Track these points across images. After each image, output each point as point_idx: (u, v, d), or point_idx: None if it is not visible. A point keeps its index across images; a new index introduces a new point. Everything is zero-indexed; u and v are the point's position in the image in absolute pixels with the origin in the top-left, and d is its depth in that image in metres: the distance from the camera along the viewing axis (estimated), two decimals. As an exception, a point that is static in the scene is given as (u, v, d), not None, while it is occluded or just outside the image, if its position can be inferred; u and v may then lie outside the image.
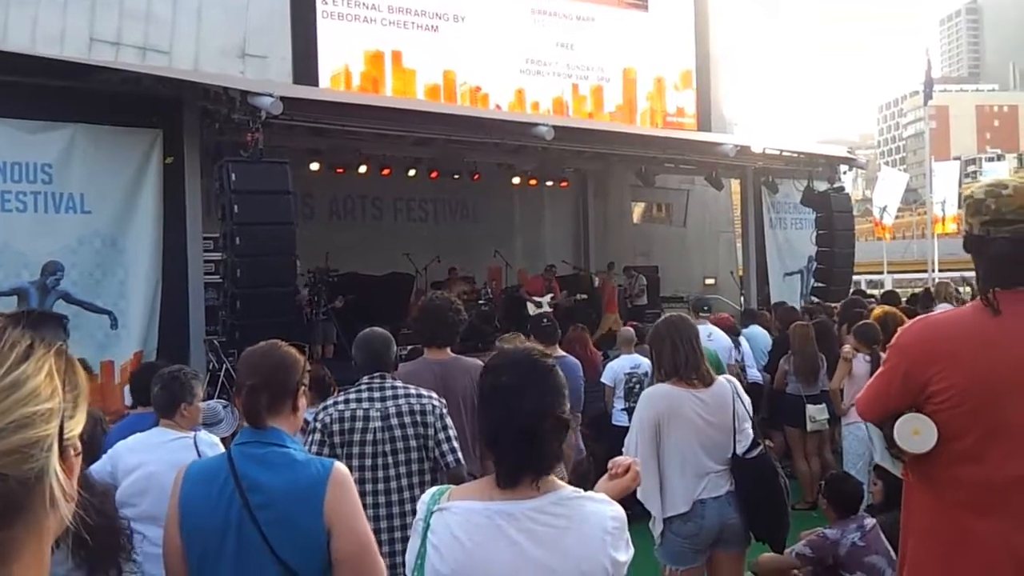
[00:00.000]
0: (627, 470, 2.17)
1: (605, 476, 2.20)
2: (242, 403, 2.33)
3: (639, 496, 3.74)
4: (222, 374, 9.59)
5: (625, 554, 1.88)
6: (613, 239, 17.30)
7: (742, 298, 15.46)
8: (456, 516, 1.83)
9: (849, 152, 16.17)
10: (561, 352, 5.76)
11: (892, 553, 4.50)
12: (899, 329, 2.52)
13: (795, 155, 14.96)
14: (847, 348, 6.93)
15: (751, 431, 3.83)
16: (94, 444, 4.21)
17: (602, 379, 7.41)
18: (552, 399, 1.87)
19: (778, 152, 14.77)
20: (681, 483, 3.67)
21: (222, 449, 3.74)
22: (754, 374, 8.32)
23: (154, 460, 3.54)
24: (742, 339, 8.56)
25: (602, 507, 1.90)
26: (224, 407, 6.33)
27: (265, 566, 2.15)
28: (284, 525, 2.16)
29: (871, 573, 4.44)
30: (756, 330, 9.18)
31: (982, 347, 2.25)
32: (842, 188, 14.91)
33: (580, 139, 12.64)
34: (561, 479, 1.97)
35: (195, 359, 9.37)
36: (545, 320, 5.80)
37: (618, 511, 1.92)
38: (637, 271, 15.41)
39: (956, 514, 2.27)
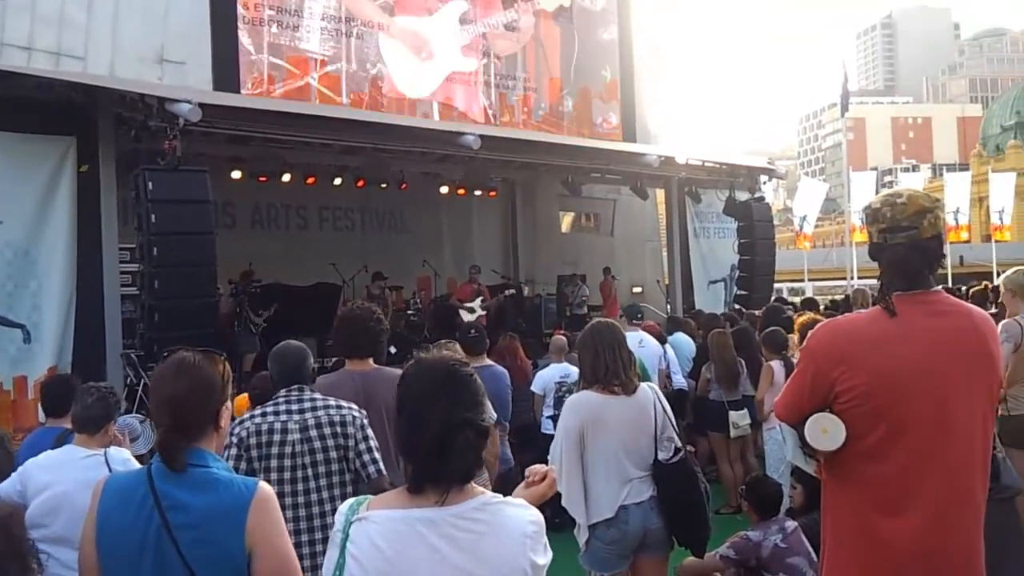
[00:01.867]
0: (543, 477, 2.16)
1: (522, 484, 2.19)
2: (157, 444, 2.21)
3: (563, 503, 3.75)
4: (140, 388, 9.31)
5: (544, 557, 1.88)
6: (542, 248, 17.38)
7: (668, 306, 15.67)
8: (376, 525, 1.81)
9: (769, 163, 16.56)
10: (488, 361, 5.74)
11: (813, 554, 4.59)
12: (808, 333, 2.60)
13: (717, 166, 15.26)
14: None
15: (675, 437, 3.87)
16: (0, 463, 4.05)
17: (531, 388, 7.42)
18: (467, 409, 1.85)
19: (701, 163, 15.05)
20: (605, 489, 3.69)
21: (135, 465, 3.62)
22: (679, 380, 8.44)
23: (66, 479, 3.41)
24: (667, 346, 8.66)
25: (521, 512, 1.90)
26: (141, 422, 6.16)
27: None
28: (204, 546, 2.10)
29: (792, 574, 4.52)
30: (681, 337, 9.31)
31: (881, 348, 2.34)
32: (763, 198, 15.26)
33: (507, 149, 12.66)
34: (484, 487, 1.95)
35: (112, 373, 9.09)
36: (472, 331, 5.78)
37: (536, 515, 1.92)
38: (579, 280, 15.52)
39: (866, 513, 2.34)
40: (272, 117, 10.38)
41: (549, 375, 7.31)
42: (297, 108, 11.24)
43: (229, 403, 2.28)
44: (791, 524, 4.69)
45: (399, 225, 16.09)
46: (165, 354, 2.27)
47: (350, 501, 1.91)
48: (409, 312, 13.88)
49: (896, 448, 2.30)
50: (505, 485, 5.60)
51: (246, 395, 5.69)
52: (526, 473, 2.21)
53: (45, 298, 8.89)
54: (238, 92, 12.17)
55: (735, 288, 15.20)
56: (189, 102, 8.63)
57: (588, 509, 3.68)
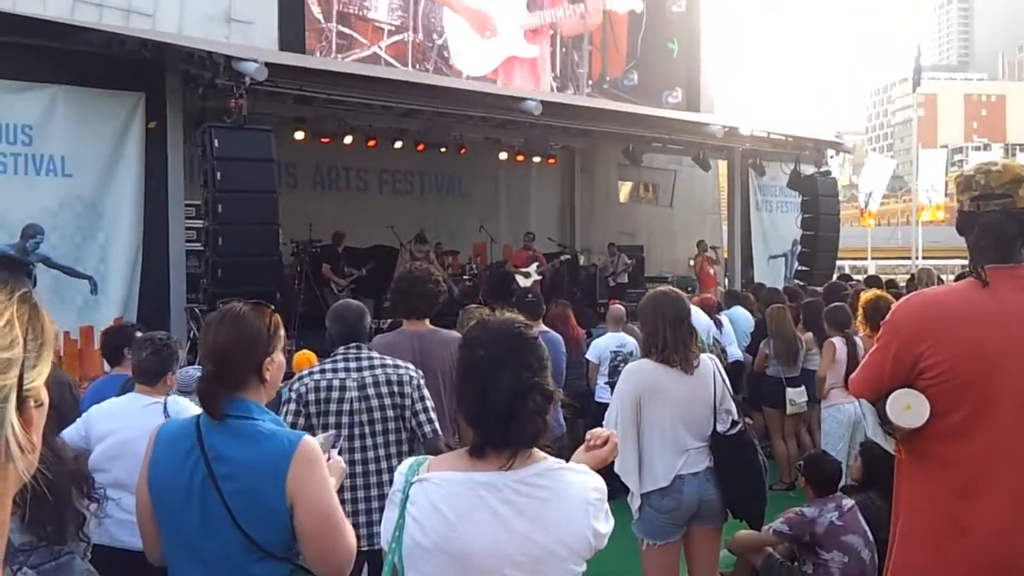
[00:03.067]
0: (605, 441, 2.14)
1: (582, 447, 2.17)
2: (198, 392, 2.25)
3: (617, 470, 3.73)
4: (203, 342, 9.51)
5: (606, 525, 1.86)
6: (599, 217, 17.26)
7: (726, 280, 15.47)
8: (437, 487, 1.79)
9: (837, 137, 16.15)
10: (544, 327, 5.72)
11: (869, 534, 4.52)
12: (892, 307, 2.52)
13: (783, 138, 14.94)
14: (809, 336, 7.06)
15: (734, 409, 3.83)
16: (64, 409, 4.16)
17: (587, 356, 7.40)
18: (535, 373, 1.81)
19: (765, 134, 14.74)
20: (661, 458, 3.66)
21: (194, 411, 3.70)
22: (735, 353, 8.34)
23: (127, 426, 3.49)
24: (724, 319, 8.56)
25: (583, 478, 1.87)
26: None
27: (228, 535, 2.11)
28: (247, 497, 2.11)
29: (848, 552, 4.45)
30: (739, 311, 9.19)
31: (972, 322, 2.25)
32: (828, 172, 14.92)
33: (567, 115, 12.54)
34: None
35: (175, 326, 9.29)
36: (530, 295, 5.77)
37: (599, 482, 1.90)
38: (620, 250, 15.37)
39: (945, 493, 2.27)
40: (336, 78, 10.43)
41: (605, 344, 7.28)
42: (360, 70, 11.27)
43: (278, 355, 2.24)
44: (848, 502, 4.62)
45: (457, 190, 16.11)
46: (219, 304, 2.28)
47: (409, 461, 1.89)
48: (465, 277, 13.93)
49: (980, 427, 2.22)
50: (557, 451, 5.61)
51: (309, 352, 5.76)
52: (587, 436, 2.19)
53: (112, 251, 9.11)
54: (303, 52, 12.26)
55: (796, 263, 14.93)
56: (256, 61, 8.70)
57: (642, 477, 3.66)
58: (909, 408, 2.25)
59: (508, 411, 1.77)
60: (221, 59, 8.82)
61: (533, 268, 12.75)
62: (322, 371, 3.46)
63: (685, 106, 16.95)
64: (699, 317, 7.87)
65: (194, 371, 6.18)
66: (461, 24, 14.13)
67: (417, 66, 13.48)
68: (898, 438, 2.35)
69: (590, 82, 15.81)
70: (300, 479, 2.10)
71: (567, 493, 1.81)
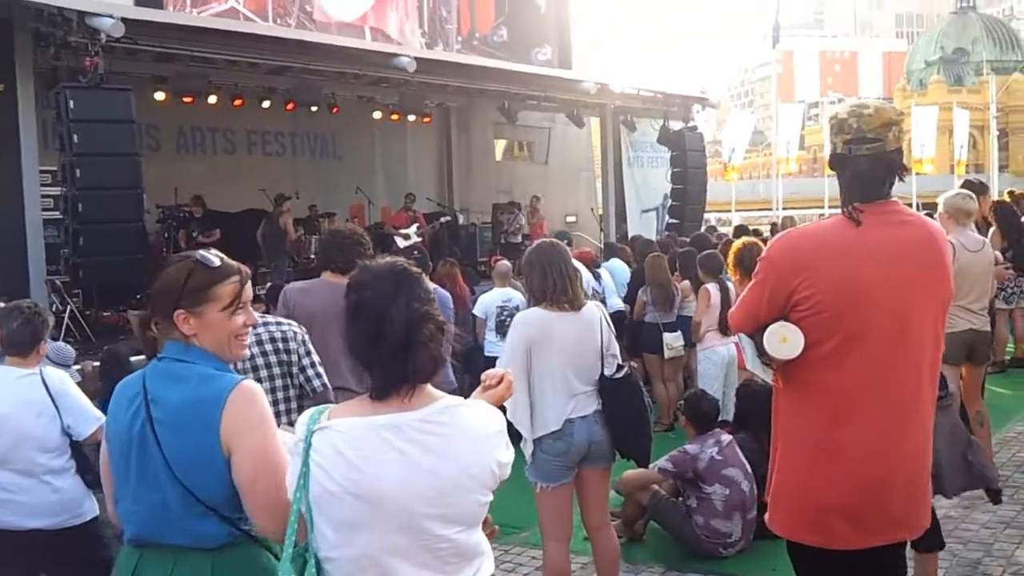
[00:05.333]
0: (500, 380, 2.20)
1: (478, 389, 2.22)
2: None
3: (508, 416, 3.79)
4: (66, 316, 9.07)
5: (507, 454, 1.91)
6: (477, 176, 17.26)
7: (602, 234, 15.79)
8: (339, 433, 1.79)
9: (702, 93, 16.62)
10: (432, 284, 5.70)
11: (747, 466, 4.76)
12: (768, 243, 2.63)
13: (652, 94, 15.30)
14: (685, 284, 7.34)
15: (618, 354, 3.94)
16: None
17: (473, 311, 7.46)
18: (423, 303, 1.85)
19: (636, 91, 15.05)
20: (552, 403, 3.74)
21: (72, 384, 3.54)
22: (615, 304, 8.56)
23: (2, 400, 3.32)
24: (603, 271, 8.76)
25: (483, 412, 1.92)
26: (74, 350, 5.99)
27: (166, 485, 2.02)
28: (180, 440, 2.02)
29: (728, 484, 4.68)
30: (616, 263, 9.43)
31: (842, 256, 2.36)
32: (695, 127, 15.38)
33: (443, 72, 12.47)
34: None
35: (36, 298, 8.78)
36: (416, 252, 5.75)
37: (498, 414, 1.95)
38: (516, 208, 15.42)
39: (821, 420, 2.39)
40: (196, 34, 10.02)
41: (491, 299, 7.35)
42: (220, 24, 10.81)
43: (204, 313, 2.10)
44: (726, 438, 4.85)
45: (331, 151, 15.76)
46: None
47: (311, 411, 1.87)
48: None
49: (852, 356, 2.34)
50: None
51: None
52: (482, 378, 2.23)
53: (-38, 222, 8.55)
54: (160, 8, 11.68)
55: (667, 217, 15.38)
56: (111, 16, 8.28)
57: (534, 423, 3.73)
58: (785, 340, 2.36)
59: (403, 342, 1.79)
60: (73, 15, 8.35)
61: (413, 229, 12.69)
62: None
63: (556, 63, 17.07)
64: (580, 271, 8.06)
65: (65, 346, 5.91)
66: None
67: (278, 21, 13.04)
68: (775, 369, 2.48)
69: (459, 38, 15.70)
70: (235, 423, 2.01)
71: (468, 427, 1.85)
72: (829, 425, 2.37)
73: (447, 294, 5.87)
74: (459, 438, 1.83)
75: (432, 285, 5.53)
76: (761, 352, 2.44)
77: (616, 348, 3.90)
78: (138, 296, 9.05)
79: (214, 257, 2.16)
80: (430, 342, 1.83)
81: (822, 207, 28.12)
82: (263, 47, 10.54)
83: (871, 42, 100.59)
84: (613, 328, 3.96)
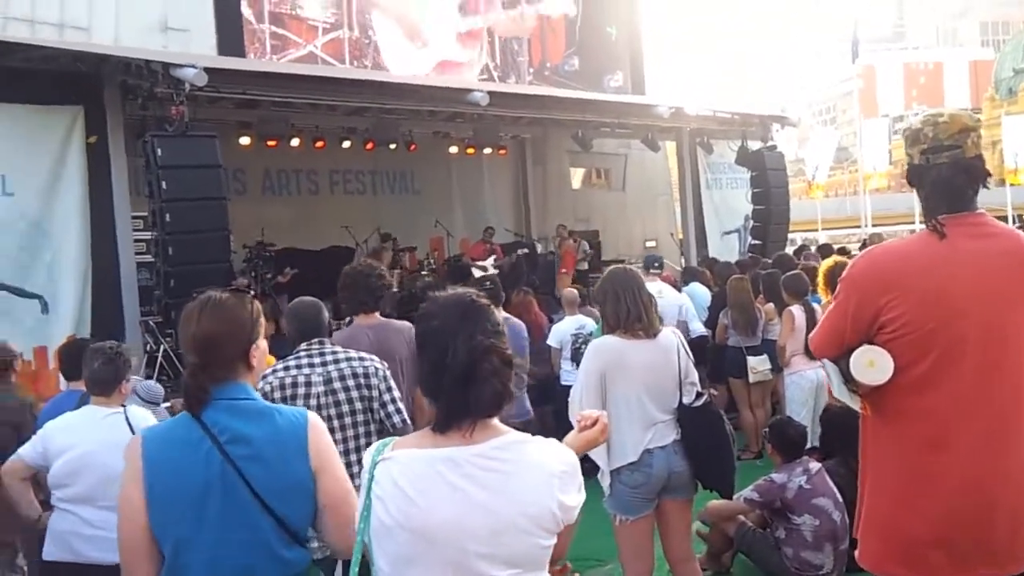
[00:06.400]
0: (595, 422, 2.14)
1: (573, 431, 2.17)
2: (183, 383, 2.12)
3: (586, 448, 3.75)
4: (160, 355, 9.39)
5: (576, 497, 1.84)
6: (553, 205, 17.28)
7: (682, 259, 15.60)
8: (398, 465, 1.79)
9: (781, 111, 16.34)
10: (505, 314, 5.72)
11: (838, 494, 4.59)
12: (849, 263, 2.53)
13: (728, 115, 15.10)
14: (770, 307, 7.13)
15: (698, 382, 3.86)
16: (23, 430, 4.09)
17: (548, 341, 7.42)
18: (489, 336, 1.82)
19: (711, 113, 14.88)
20: (629, 433, 3.68)
21: (154, 421, 3.64)
22: (697, 328, 8.40)
23: (88, 439, 3.43)
24: (683, 296, 8.63)
25: (549, 450, 1.86)
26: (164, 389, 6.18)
27: (256, 522, 2.03)
28: (273, 474, 2.06)
29: (818, 514, 4.52)
30: (696, 287, 9.28)
31: (931, 272, 2.25)
32: (775, 146, 15.09)
33: (515, 104, 12.54)
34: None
35: (131, 340, 9.11)
36: (488, 283, 5.75)
37: (568, 456, 1.89)
38: (572, 234, 15.42)
39: (913, 447, 2.27)
40: (277, 80, 10.32)
41: (565, 328, 7.32)
42: (300, 70, 11.15)
43: (262, 342, 2.19)
44: (815, 465, 4.69)
45: (410, 187, 16.02)
46: (193, 295, 2.21)
47: (377, 443, 1.88)
48: (423, 272, 13.87)
49: (946, 378, 2.22)
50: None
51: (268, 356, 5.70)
52: (577, 417, 2.18)
53: (60, 268, 8.91)
54: (243, 56, 12.10)
55: (749, 238, 15.10)
56: (194, 66, 8.57)
57: (610, 453, 3.67)
58: (872, 364, 2.25)
59: (465, 375, 1.77)
60: (159, 67, 8.68)
61: (490, 261, 12.76)
62: (286, 368, 3.43)
63: (629, 89, 17.03)
64: (670, 294, 7.95)
65: (156, 385, 6.10)
66: (392, 28, 14.04)
67: (355, 63, 13.37)
68: (863, 395, 2.36)
69: (531, 70, 15.82)
70: (320, 450, 2.11)
71: (530, 465, 1.80)
72: (922, 452, 2.25)
73: (520, 324, 5.86)
74: (519, 476, 1.79)
75: (504, 315, 5.59)
76: (847, 378, 2.32)
77: (695, 375, 3.83)
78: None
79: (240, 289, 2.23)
80: (494, 376, 1.80)
81: (913, 223, 27.26)
82: (341, 89, 10.79)
83: (956, 52, 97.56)
84: (691, 355, 3.88)
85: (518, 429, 5.56)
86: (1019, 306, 2.26)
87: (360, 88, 10.96)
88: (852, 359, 2.28)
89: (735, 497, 4.57)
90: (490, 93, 10.93)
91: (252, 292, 8.97)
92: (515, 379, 5.30)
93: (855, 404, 2.41)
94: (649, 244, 17.66)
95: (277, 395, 3.35)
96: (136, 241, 9.63)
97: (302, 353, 3.46)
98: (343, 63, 13.33)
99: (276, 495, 2.05)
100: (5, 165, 8.61)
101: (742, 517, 4.73)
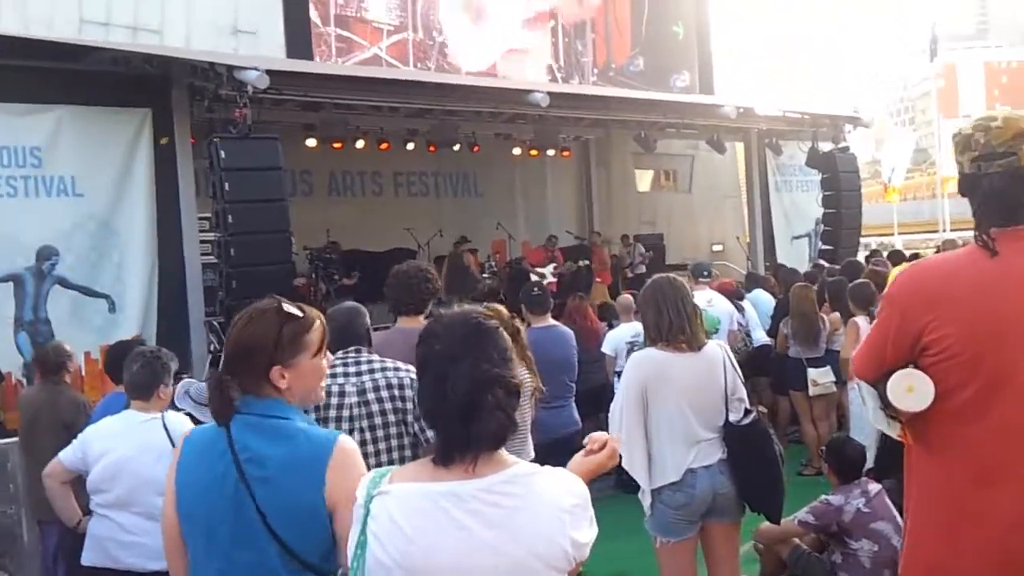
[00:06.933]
0: (603, 446, 2.00)
1: (581, 452, 2.03)
2: (209, 391, 2.09)
3: (624, 466, 3.62)
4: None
5: (588, 533, 1.72)
6: (618, 208, 17.10)
7: (748, 263, 15.27)
8: (396, 500, 1.67)
9: (854, 112, 15.86)
10: (552, 321, 5.62)
11: (899, 519, 4.37)
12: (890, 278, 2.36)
13: (798, 116, 14.72)
14: (835, 316, 6.85)
15: (746, 398, 3.69)
16: (76, 428, 4.13)
17: (603, 348, 7.29)
18: (495, 365, 1.70)
19: (781, 113, 14.52)
20: (671, 451, 3.54)
21: (190, 427, 3.63)
22: (760, 337, 8.20)
23: (124, 444, 3.44)
24: (745, 303, 8.41)
25: (559, 483, 1.74)
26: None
27: (262, 544, 1.98)
28: (282, 499, 1.98)
29: (877, 539, 4.31)
30: (759, 294, 9.04)
31: (979, 290, 2.06)
32: (847, 148, 14.66)
33: (576, 105, 12.42)
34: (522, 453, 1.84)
35: (196, 341, 9.30)
36: (536, 289, 5.66)
37: (578, 487, 1.77)
38: (636, 239, 15.20)
39: (959, 482, 2.08)
40: (339, 82, 10.41)
41: (619, 335, 7.16)
42: (359, 72, 11.21)
43: (299, 364, 2.07)
44: (875, 487, 4.47)
45: (472, 189, 16.03)
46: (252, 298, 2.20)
47: (372, 474, 1.77)
48: (484, 275, 13.84)
49: (995, 406, 2.03)
50: (571, 445, 5.53)
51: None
52: (584, 441, 2.06)
53: (128, 268, 9.12)
54: (311, 59, 12.24)
55: (819, 243, 14.69)
56: (257, 69, 8.67)
57: (652, 472, 3.54)
58: (912, 390, 2.07)
59: (467, 406, 1.65)
60: (223, 69, 8.80)
61: (549, 269, 12.67)
62: (320, 377, 3.37)
63: (696, 89, 16.74)
64: (720, 303, 7.76)
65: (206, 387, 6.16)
66: (458, 17, 14.02)
67: (419, 65, 13.40)
68: (903, 422, 2.19)
69: (595, 70, 15.66)
70: (341, 479, 1.98)
71: (539, 500, 1.68)
72: (969, 487, 2.06)
73: (568, 331, 5.74)
74: (527, 512, 1.66)
75: (551, 322, 5.46)
76: (885, 403, 2.16)
77: (743, 391, 3.66)
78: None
79: (293, 307, 2.12)
80: (497, 409, 1.67)
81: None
82: (400, 91, 10.82)
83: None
84: (738, 368, 3.72)
85: (566, 439, 5.48)
86: None
87: (420, 90, 10.98)
88: (890, 383, 2.11)
89: (790, 519, 4.39)
90: (550, 94, 10.84)
91: (312, 293, 9.02)
92: (561, 387, 5.19)
93: (893, 431, 2.24)
94: (716, 248, 17.35)
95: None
96: (202, 242, 9.78)
97: (337, 361, 3.38)
98: (407, 65, 13.38)
99: (283, 520, 1.98)
100: (75, 166, 8.84)
101: (797, 540, 4.54)
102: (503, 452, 1.72)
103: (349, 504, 1.87)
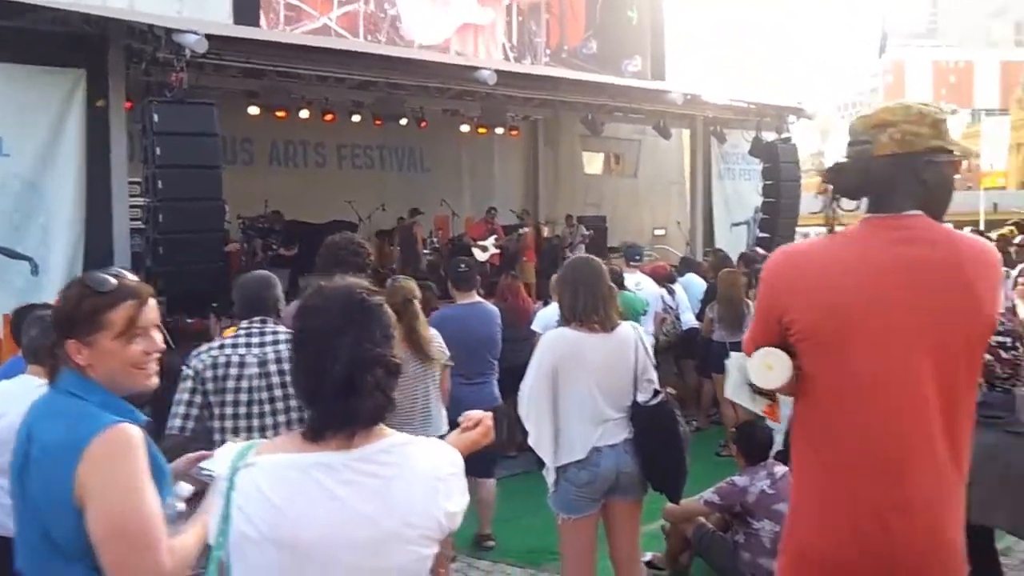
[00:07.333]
0: (478, 423, 2.01)
1: (457, 430, 2.04)
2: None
3: (531, 443, 3.65)
4: (151, 323, 9.36)
5: (458, 504, 1.72)
6: (564, 189, 17.14)
7: (688, 248, 15.44)
8: (263, 471, 1.63)
9: (799, 104, 16.05)
10: (478, 298, 5.62)
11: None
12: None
13: (744, 105, 14.86)
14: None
15: (655, 379, 3.74)
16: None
17: (533, 327, 7.31)
18: (377, 343, 1.67)
19: (727, 102, 14.65)
20: (579, 429, 3.58)
21: None
22: (689, 320, 8.33)
23: (16, 411, 3.34)
24: (677, 287, 8.51)
25: (435, 452, 1.74)
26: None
27: (31, 526, 1.89)
28: (44, 486, 1.85)
29: (779, 520, 4.40)
30: (692, 278, 9.16)
31: (824, 277, 2.07)
32: (789, 139, 14.85)
33: (524, 84, 12.38)
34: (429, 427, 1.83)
35: (122, 307, 9.12)
36: (461, 265, 5.64)
37: (454, 457, 1.77)
38: (580, 221, 15.25)
39: (825, 464, 2.12)
40: (282, 50, 10.21)
41: (550, 314, 7.13)
42: (304, 40, 11.02)
43: (95, 342, 1.92)
44: (781, 470, 4.57)
45: (418, 164, 15.93)
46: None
47: (239, 446, 1.70)
48: (426, 252, 13.79)
49: (844, 394, 2.05)
50: (494, 421, 5.55)
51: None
52: (460, 419, 2.06)
53: (53, 231, 8.87)
54: (257, 25, 12.01)
55: (757, 231, 14.91)
56: (196, 33, 8.47)
57: (558, 449, 3.57)
58: (771, 368, 2.09)
59: (346, 385, 1.62)
60: (162, 32, 8.60)
61: (491, 241, 12.62)
62: (221, 346, 3.33)
63: (648, 75, 16.80)
64: (649, 286, 7.86)
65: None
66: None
67: (369, 37, 13.23)
68: (773, 400, 2.23)
69: (548, 51, 15.63)
70: (90, 477, 1.79)
71: (415, 470, 1.67)
72: (833, 472, 2.09)
73: (494, 309, 5.76)
74: (402, 481, 1.65)
75: (476, 299, 5.46)
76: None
77: (653, 373, 3.71)
78: (215, 304, 9.26)
79: (109, 278, 1.96)
80: (376, 389, 1.65)
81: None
82: (345, 61, 10.67)
83: (988, 52, 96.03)
84: (650, 350, 3.77)
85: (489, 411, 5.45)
86: (938, 325, 2.02)
87: (365, 61, 10.84)
88: (751, 360, 2.14)
89: (696, 498, 4.48)
90: (498, 72, 10.78)
91: (242, 261, 8.87)
92: (483, 363, 5.20)
93: (757, 407, 2.27)
94: (658, 232, 17.50)
95: (209, 374, 3.25)
96: (132, 207, 9.58)
97: (241, 331, 3.35)
98: (357, 36, 13.20)
99: (41, 505, 1.87)
100: (2, 125, 8.57)
101: (702, 519, 4.63)
102: (379, 425, 1.70)
103: (95, 502, 1.75)
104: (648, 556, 4.86)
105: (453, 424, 4.67)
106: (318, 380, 1.65)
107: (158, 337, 2.02)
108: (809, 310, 2.07)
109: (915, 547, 2.03)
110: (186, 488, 1.96)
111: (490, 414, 2.08)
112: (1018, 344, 4.08)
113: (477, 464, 5.53)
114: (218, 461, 1.72)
